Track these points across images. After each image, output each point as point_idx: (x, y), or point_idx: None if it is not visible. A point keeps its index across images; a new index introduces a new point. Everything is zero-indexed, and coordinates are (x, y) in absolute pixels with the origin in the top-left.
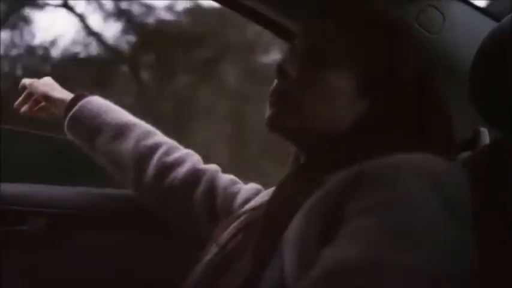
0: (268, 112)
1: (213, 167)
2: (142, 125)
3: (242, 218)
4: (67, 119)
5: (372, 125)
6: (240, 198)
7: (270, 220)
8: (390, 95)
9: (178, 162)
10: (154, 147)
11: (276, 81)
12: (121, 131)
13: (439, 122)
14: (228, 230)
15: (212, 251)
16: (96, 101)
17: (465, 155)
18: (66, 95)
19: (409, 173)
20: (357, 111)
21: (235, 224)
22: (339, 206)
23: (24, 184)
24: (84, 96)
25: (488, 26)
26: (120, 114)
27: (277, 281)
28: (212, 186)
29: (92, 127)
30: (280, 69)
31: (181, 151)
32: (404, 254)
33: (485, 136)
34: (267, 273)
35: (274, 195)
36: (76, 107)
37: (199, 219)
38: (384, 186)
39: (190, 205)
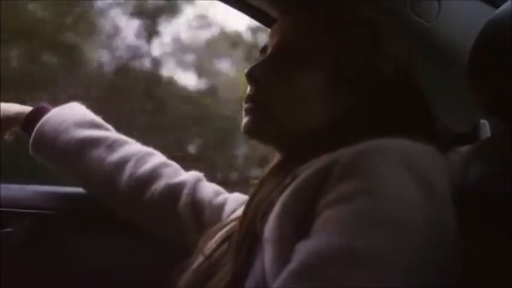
0: (243, 119)
1: (191, 176)
2: (103, 138)
3: (228, 228)
4: (30, 143)
5: (347, 122)
6: (227, 209)
7: (248, 221)
8: (366, 93)
9: (152, 177)
10: (122, 163)
11: (248, 87)
12: (83, 149)
13: (418, 120)
14: (214, 240)
15: (198, 260)
16: (54, 119)
17: (466, 148)
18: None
19: (379, 158)
20: (331, 109)
21: (221, 233)
22: (312, 198)
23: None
24: (38, 114)
25: (486, 12)
26: (79, 130)
27: (260, 281)
28: (195, 200)
29: (53, 152)
30: (250, 76)
31: (151, 161)
32: (377, 240)
33: (486, 128)
34: (251, 274)
35: (251, 196)
36: (34, 132)
37: (185, 231)
38: (354, 174)
39: (173, 219)
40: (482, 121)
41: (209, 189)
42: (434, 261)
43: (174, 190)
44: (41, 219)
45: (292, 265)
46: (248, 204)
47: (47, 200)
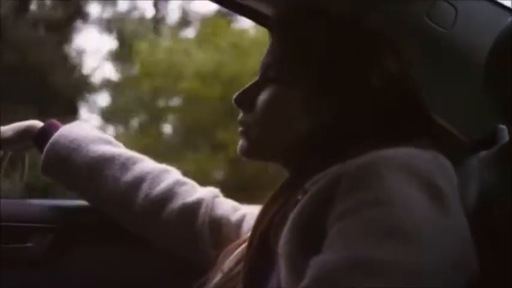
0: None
1: (208, 193)
2: (116, 156)
3: (246, 244)
4: (41, 165)
5: (332, 131)
6: (245, 225)
7: (258, 238)
8: (355, 104)
9: (168, 197)
10: (137, 183)
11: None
12: (97, 168)
13: (417, 128)
14: (232, 256)
15: (216, 277)
16: (64, 138)
17: (483, 153)
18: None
19: (383, 168)
20: (312, 120)
21: (239, 250)
22: (322, 213)
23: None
24: (49, 132)
25: (503, 18)
26: (92, 148)
27: None
28: (212, 218)
29: (66, 171)
30: (236, 102)
31: (166, 179)
32: (387, 250)
33: (505, 134)
34: None
35: (261, 213)
36: (44, 153)
37: (203, 249)
38: (361, 187)
39: (191, 238)
40: (501, 126)
41: (226, 205)
42: (447, 265)
43: (191, 209)
44: (61, 234)
45: (305, 281)
46: (258, 221)
47: (67, 214)
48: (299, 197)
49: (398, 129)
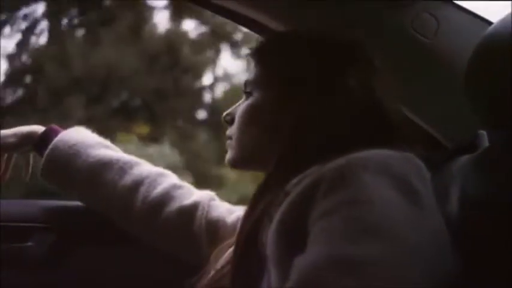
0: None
1: (204, 196)
2: (114, 160)
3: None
4: (40, 170)
5: (305, 134)
6: None
7: (243, 240)
8: (322, 112)
9: (165, 200)
10: (135, 187)
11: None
12: (96, 172)
13: (382, 137)
14: (225, 255)
15: (209, 274)
16: (64, 144)
17: (465, 158)
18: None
19: (359, 168)
20: (284, 124)
21: (231, 250)
22: (303, 215)
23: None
24: (49, 137)
25: (481, 29)
26: (90, 153)
27: None
28: (209, 220)
29: (65, 176)
30: (223, 119)
31: (163, 183)
32: (365, 246)
33: (484, 139)
34: None
35: (245, 216)
36: (43, 159)
37: (200, 252)
38: (338, 188)
39: (188, 241)
40: (481, 132)
41: (222, 208)
42: (424, 261)
43: (188, 212)
44: (61, 234)
45: (289, 282)
46: (244, 222)
47: (67, 214)
48: (280, 199)
49: (365, 137)
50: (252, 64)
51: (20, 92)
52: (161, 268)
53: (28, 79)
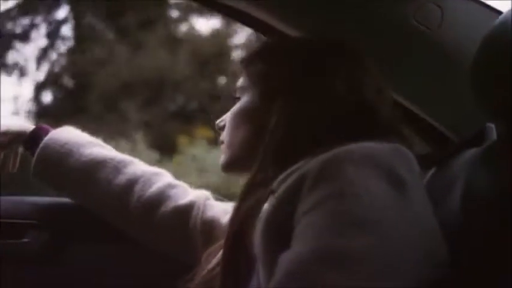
0: None
1: (199, 196)
2: (108, 159)
3: None
4: (32, 169)
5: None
6: None
7: (232, 238)
8: (309, 111)
9: (160, 200)
10: (129, 186)
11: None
12: (90, 171)
13: (374, 134)
14: (217, 256)
15: (200, 274)
16: (55, 143)
17: (471, 152)
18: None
19: (344, 162)
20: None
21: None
22: (289, 212)
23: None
24: (39, 136)
25: (489, 18)
26: (83, 152)
27: None
28: (204, 220)
29: (56, 176)
30: (217, 127)
31: (157, 182)
32: (352, 238)
33: (493, 132)
34: None
35: (233, 214)
36: (34, 158)
37: (196, 251)
38: (323, 182)
39: (183, 240)
40: (489, 125)
41: (217, 208)
42: (412, 253)
43: (183, 212)
44: (57, 230)
45: (275, 277)
46: (231, 221)
47: (62, 211)
48: (268, 197)
49: (351, 136)
50: (242, 71)
51: (69, 99)
52: (155, 266)
53: (73, 84)
